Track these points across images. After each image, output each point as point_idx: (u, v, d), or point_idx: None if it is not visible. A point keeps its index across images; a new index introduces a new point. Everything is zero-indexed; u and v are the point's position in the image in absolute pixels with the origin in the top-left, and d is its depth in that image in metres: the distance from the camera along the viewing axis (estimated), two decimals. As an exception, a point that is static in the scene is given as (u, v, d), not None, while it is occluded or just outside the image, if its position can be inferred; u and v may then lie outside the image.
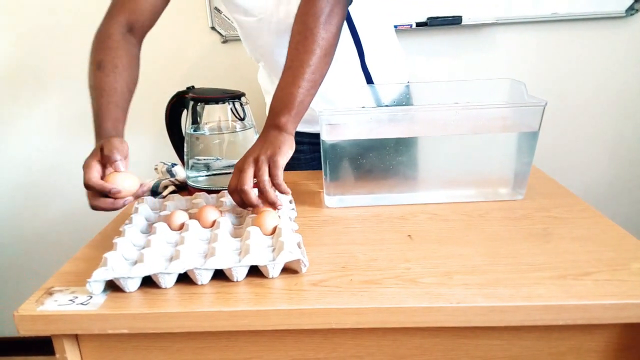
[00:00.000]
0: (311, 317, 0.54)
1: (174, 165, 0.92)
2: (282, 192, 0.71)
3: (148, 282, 0.58)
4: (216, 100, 0.86)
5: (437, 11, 1.32)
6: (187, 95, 0.87)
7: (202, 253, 0.63)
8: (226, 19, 1.36)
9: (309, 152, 1.08)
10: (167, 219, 0.71)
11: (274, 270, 0.59)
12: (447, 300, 0.53)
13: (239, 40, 1.06)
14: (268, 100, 1.08)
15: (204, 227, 0.70)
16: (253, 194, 0.70)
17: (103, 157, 0.68)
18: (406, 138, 0.80)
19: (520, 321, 0.53)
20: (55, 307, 0.55)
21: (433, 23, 1.33)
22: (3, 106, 1.50)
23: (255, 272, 0.60)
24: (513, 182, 0.82)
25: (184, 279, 0.59)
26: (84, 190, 0.67)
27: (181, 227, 0.70)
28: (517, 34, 1.37)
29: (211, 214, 0.71)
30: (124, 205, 0.68)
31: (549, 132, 1.41)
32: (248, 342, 0.58)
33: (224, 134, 0.88)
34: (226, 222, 0.70)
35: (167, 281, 0.58)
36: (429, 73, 1.41)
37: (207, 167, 0.88)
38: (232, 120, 0.88)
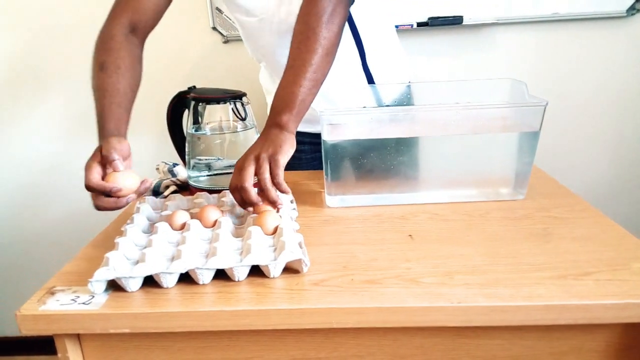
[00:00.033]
0: (312, 316, 0.54)
1: (175, 165, 0.92)
2: (282, 191, 0.71)
3: (150, 282, 0.58)
4: (217, 100, 0.86)
5: (438, 11, 1.32)
6: (188, 95, 0.87)
7: (203, 253, 0.64)
8: (227, 19, 1.36)
9: (310, 152, 1.08)
10: (168, 219, 0.71)
11: (275, 270, 0.59)
12: (447, 300, 0.53)
13: (240, 40, 1.06)
14: (269, 100, 1.07)
15: (206, 226, 0.70)
16: (253, 191, 0.70)
17: (103, 157, 0.68)
18: (407, 138, 0.80)
19: (521, 321, 0.53)
20: (57, 306, 0.55)
21: (434, 23, 1.33)
22: (3, 106, 1.50)
23: (256, 271, 0.60)
24: (514, 182, 0.82)
25: (186, 278, 0.59)
26: (84, 190, 0.67)
27: (182, 226, 0.70)
28: (517, 34, 1.37)
29: (212, 213, 0.71)
30: (127, 203, 0.68)
31: (549, 132, 1.41)
32: (249, 341, 0.58)
33: (225, 134, 0.89)
34: (227, 221, 0.70)
35: (169, 281, 0.58)
36: (429, 73, 1.41)
37: (209, 167, 0.88)
38: (233, 120, 0.88)
